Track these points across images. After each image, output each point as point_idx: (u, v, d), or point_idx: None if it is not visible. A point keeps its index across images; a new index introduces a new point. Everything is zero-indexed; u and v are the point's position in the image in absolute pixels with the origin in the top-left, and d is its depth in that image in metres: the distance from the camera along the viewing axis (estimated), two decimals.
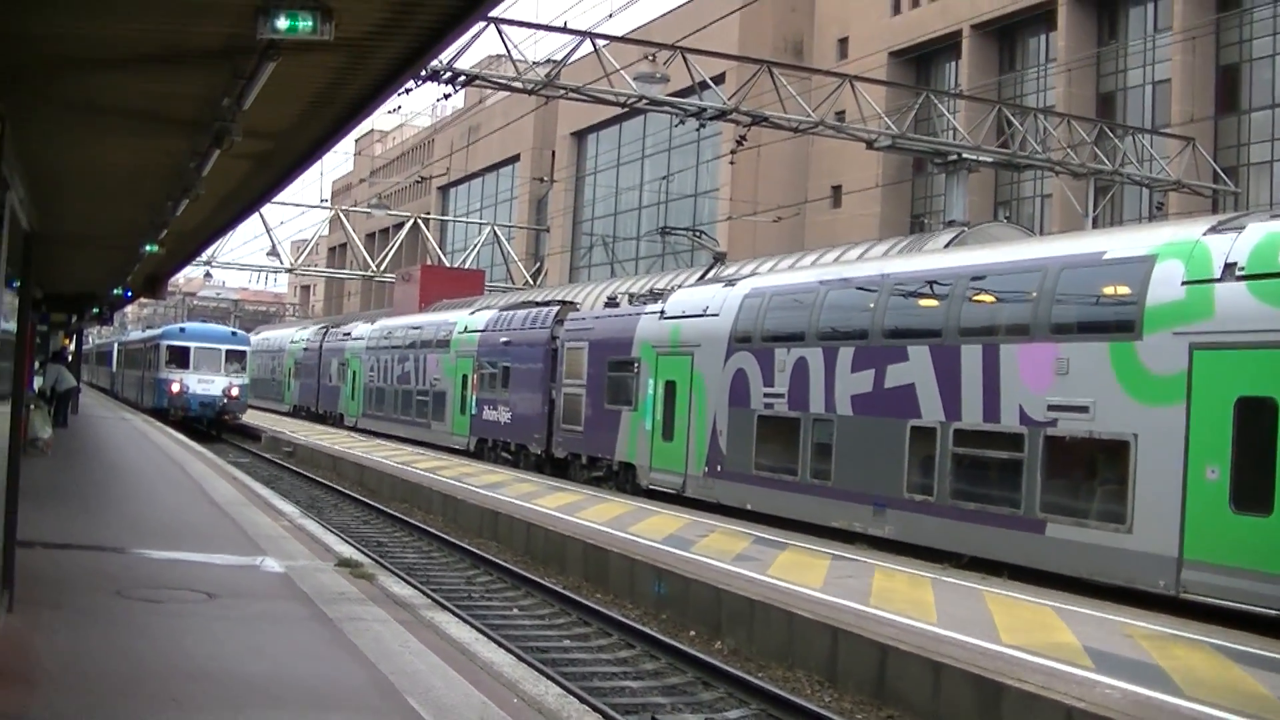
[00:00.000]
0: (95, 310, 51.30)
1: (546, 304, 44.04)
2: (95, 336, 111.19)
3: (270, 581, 16.28)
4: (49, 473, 26.67)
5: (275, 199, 29.22)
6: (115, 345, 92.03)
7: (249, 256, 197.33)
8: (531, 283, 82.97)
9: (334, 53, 10.33)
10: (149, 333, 73.51)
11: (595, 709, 12.96)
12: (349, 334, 66.34)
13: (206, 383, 59.61)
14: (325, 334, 71.82)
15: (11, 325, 12.46)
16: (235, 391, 60.53)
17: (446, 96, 37.62)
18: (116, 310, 64.28)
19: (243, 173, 17.39)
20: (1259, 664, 14.00)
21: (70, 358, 53.29)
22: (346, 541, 22.93)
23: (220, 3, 9.24)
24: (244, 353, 63.15)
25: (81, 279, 36.15)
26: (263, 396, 76.78)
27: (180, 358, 60.25)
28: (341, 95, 12.43)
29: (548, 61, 40.01)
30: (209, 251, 64.14)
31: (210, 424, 59.95)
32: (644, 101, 38.71)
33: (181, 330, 64.00)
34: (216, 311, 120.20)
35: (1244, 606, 16.58)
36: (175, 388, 59.36)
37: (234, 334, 66.14)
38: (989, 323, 22.38)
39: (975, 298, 22.86)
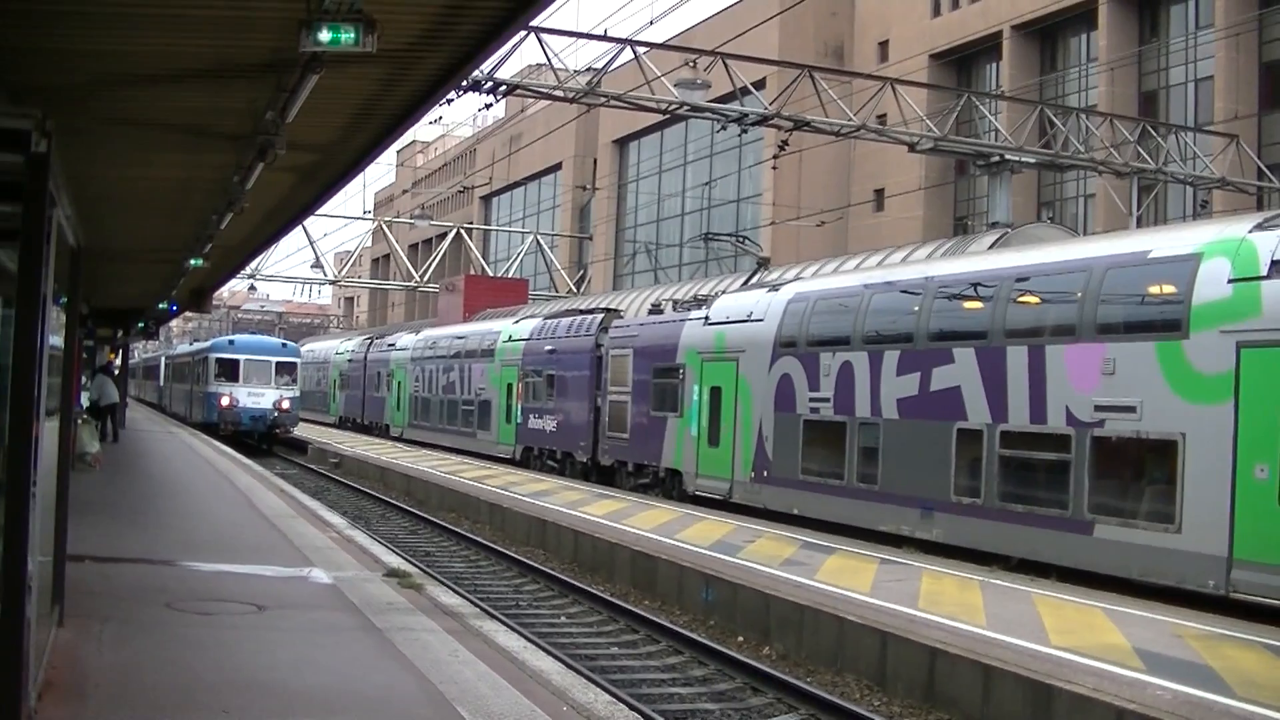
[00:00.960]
0: (141, 325, 51.58)
1: (590, 312, 44.09)
2: (141, 351, 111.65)
3: (319, 592, 16.33)
4: (97, 487, 26.80)
5: (318, 211, 29.36)
6: (162, 359, 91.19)
7: (293, 269, 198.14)
8: (575, 291, 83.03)
9: (376, 65, 10.37)
10: (197, 346, 71.90)
11: (645, 716, 12.98)
12: (393, 345, 66.37)
13: (257, 396, 58.24)
14: (370, 345, 71.84)
15: (59, 341, 12.54)
16: (286, 405, 59.09)
17: (488, 106, 37.35)
18: (162, 324, 64.29)
19: (287, 186, 17.49)
20: None
21: (117, 372, 53.08)
22: (394, 552, 22.96)
23: (263, 17, 9.30)
24: (295, 364, 61.59)
25: (127, 294, 36.37)
26: (308, 408, 76.56)
27: (230, 371, 58.87)
28: (384, 107, 12.49)
29: (588, 70, 40.03)
30: (253, 265, 64.00)
31: (261, 438, 58.53)
32: (685, 108, 38.71)
33: (231, 342, 62.49)
34: (261, 324, 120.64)
35: None
36: (225, 401, 57.93)
37: (284, 345, 64.69)
38: (1034, 324, 22.31)
39: (1020, 299, 22.79)
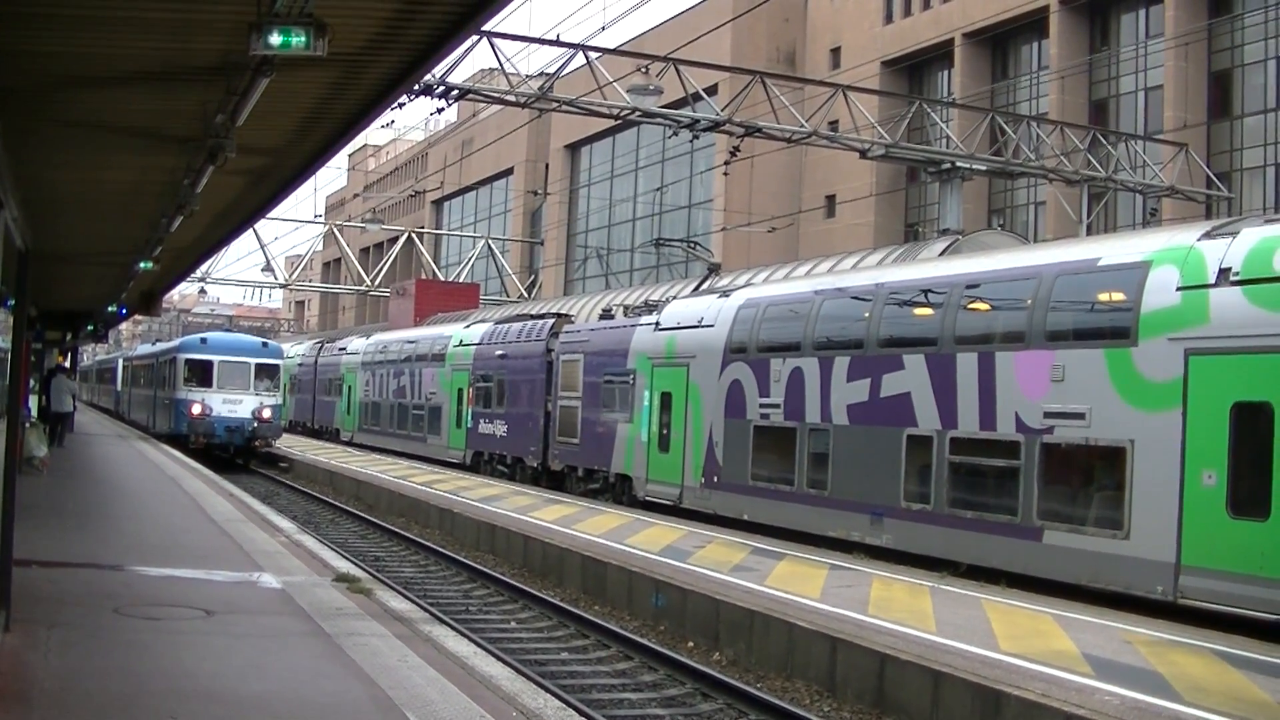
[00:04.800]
0: (90, 327, 51.11)
1: (541, 317, 44.06)
2: (89, 354, 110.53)
3: (268, 598, 16.25)
4: (45, 491, 26.62)
5: (269, 215, 29.23)
6: (119, 361, 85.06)
7: (243, 272, 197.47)
8: (526, 295, 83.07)
9: (327, 69, 10.35)
10: (163, 345, 63.54)
11: None
12: (344, 349, 65.94)
13: (233, 403, 50.25)
14: (320, 349, 71.20)
15: (6, 343, 12.44)
16: (268, 413, 50.92)
17: (440, 110, 37.35)
18: (111, 327, 63.44)
19: (237, 189, 17.43)
20: (1258, 669, 13.99)
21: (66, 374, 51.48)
22: (344, 556, 22.89)
23: (214, 20, 9.26)
24: (276, 367, 53.61)
25: (76, 296, 36.21)
26: None
27: (202, 374, 50.72)
28: (335, 111, 12.46)
29: (541, 75, 40.06)
30: (204, 268, 63.50)
31: (238, 452, 51.06)
32: (637, 113, 38.70)
33: (203, 341, 53.72)
34: (211, 327, 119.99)
35: (1242, 611, 16.57)
36: (196, 410, 49.77)
37: (265, 345, 55.60)
38: (984, 331, 22.37)
39: (970, 306, 22.85)
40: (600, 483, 35.38)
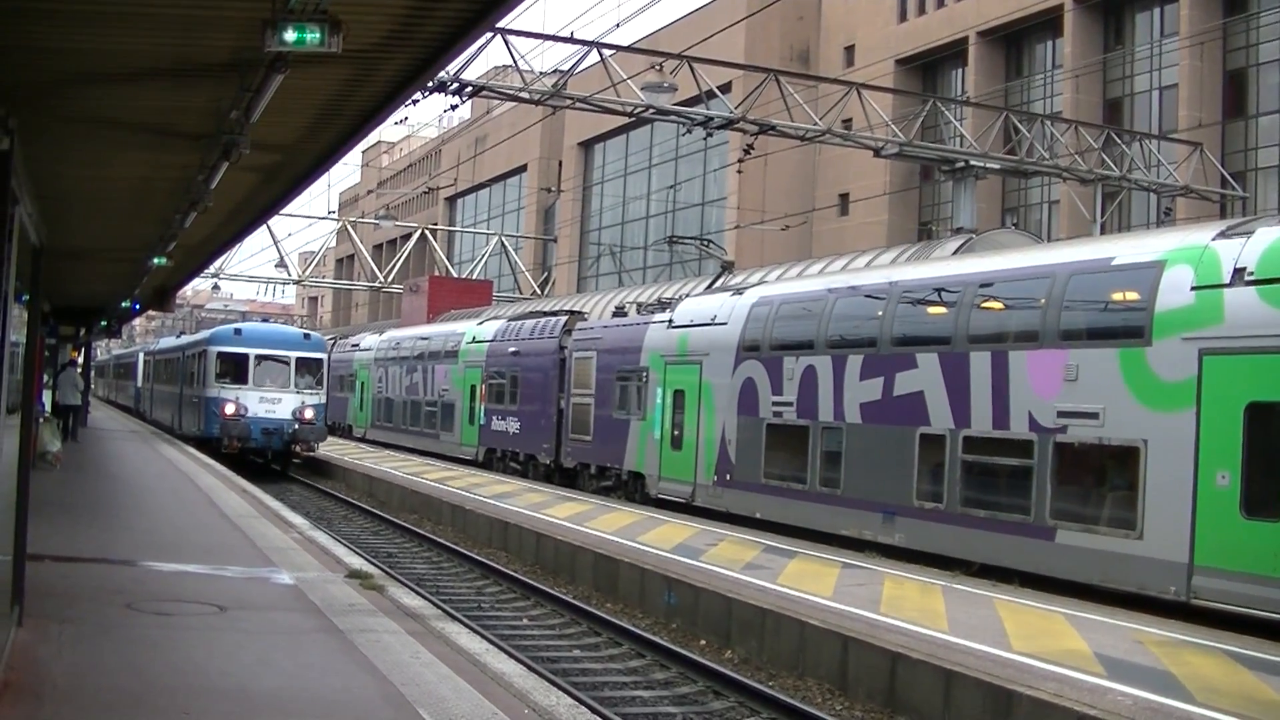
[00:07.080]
0: (103, 323, 50.94)
1: (554, 314, 44.03)
2: (104, 349, 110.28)
3: (280, 594, 16.25)
4: (58, 486, 26.65)
5: (283, 211, 29.21)
6: (140, 355, 79.53)
7: (257, 268, 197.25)
8: (539, 292, 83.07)
9: (342, 65, 10.33)
10: (188, 338, 57.99)
11: (606, 719, 12.95)
12: (357, 345, 65.87)
13: (271, 403, 44.94)
14: (333, 345, 70.72)
15: (20, 338, 12.44)
16: (309, 414, 45.32)
17: (454, 107, 37.31)
18: (124, 323, 63.10)
19: (251, 185, 17.42)
20: (1271, 669, 13.96)
21: (79, 370, 49.58)
22: (356, 553, 22.90)
23: (228, 16, 9.25)
24: (319, 362, 47.57)
25: (90, 292, 36.22)
26: None
27: (236, 369, 45.38)
28: (349, 107, 12.45)
29: (555, 72, 40.00)
30: (217, 263, 63.41)
31: (275, 456, 46.54)
32: (651, 111, 38.63)
33: (237, 332, 47.74)
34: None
35: (1255, 612, 16.54)
36: (230, 409, 44.40)
37: (306, 337, 49.91)
38: (998, 330, 22.35)
39: (984, 305, 22.82)
40: (613, 480, 35.38)
